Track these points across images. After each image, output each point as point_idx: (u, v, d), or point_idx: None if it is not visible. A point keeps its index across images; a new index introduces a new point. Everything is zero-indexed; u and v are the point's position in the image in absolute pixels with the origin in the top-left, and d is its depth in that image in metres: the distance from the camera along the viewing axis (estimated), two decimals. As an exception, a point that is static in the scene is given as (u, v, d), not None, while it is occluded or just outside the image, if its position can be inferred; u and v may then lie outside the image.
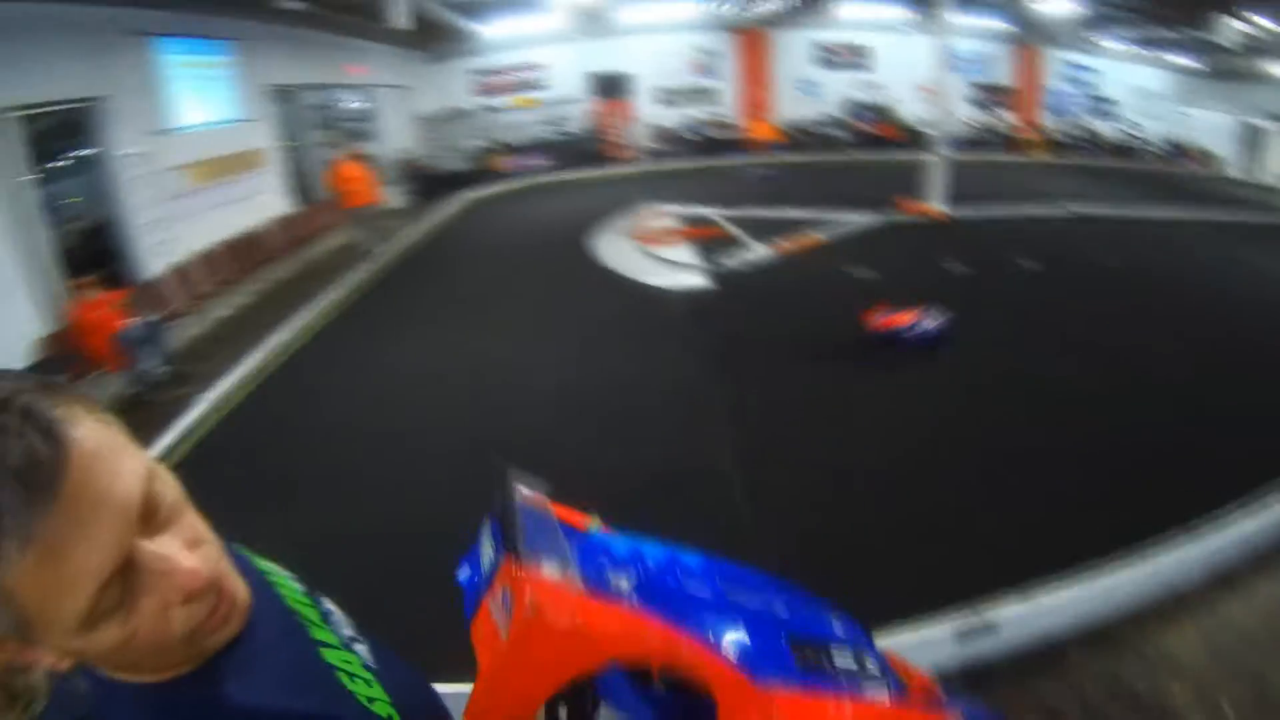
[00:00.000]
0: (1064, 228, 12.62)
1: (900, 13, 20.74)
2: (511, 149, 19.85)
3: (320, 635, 0.85)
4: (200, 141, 10.12)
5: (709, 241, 11.39)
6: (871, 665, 0.81)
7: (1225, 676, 3.42)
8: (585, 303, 9.16)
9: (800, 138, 21.56)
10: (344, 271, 10.53)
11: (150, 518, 0.63)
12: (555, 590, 0.64)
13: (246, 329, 8.44)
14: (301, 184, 13.87)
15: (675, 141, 21.34)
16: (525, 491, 0.82)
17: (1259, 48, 15.04)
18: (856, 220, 12.53)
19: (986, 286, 9.23)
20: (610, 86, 21.21)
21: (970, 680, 3.25)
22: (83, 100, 8.16)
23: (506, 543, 0.72)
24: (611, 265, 10.64)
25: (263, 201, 11.59)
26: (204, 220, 9.88)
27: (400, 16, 12.47)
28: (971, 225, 12.53)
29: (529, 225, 14.35)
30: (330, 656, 0.83)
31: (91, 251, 8.42)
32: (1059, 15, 17.79)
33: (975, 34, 21.09)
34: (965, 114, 21.69)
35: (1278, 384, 6.35)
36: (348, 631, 0.91)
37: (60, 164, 8.93)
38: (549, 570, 0.65)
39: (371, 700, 0.80)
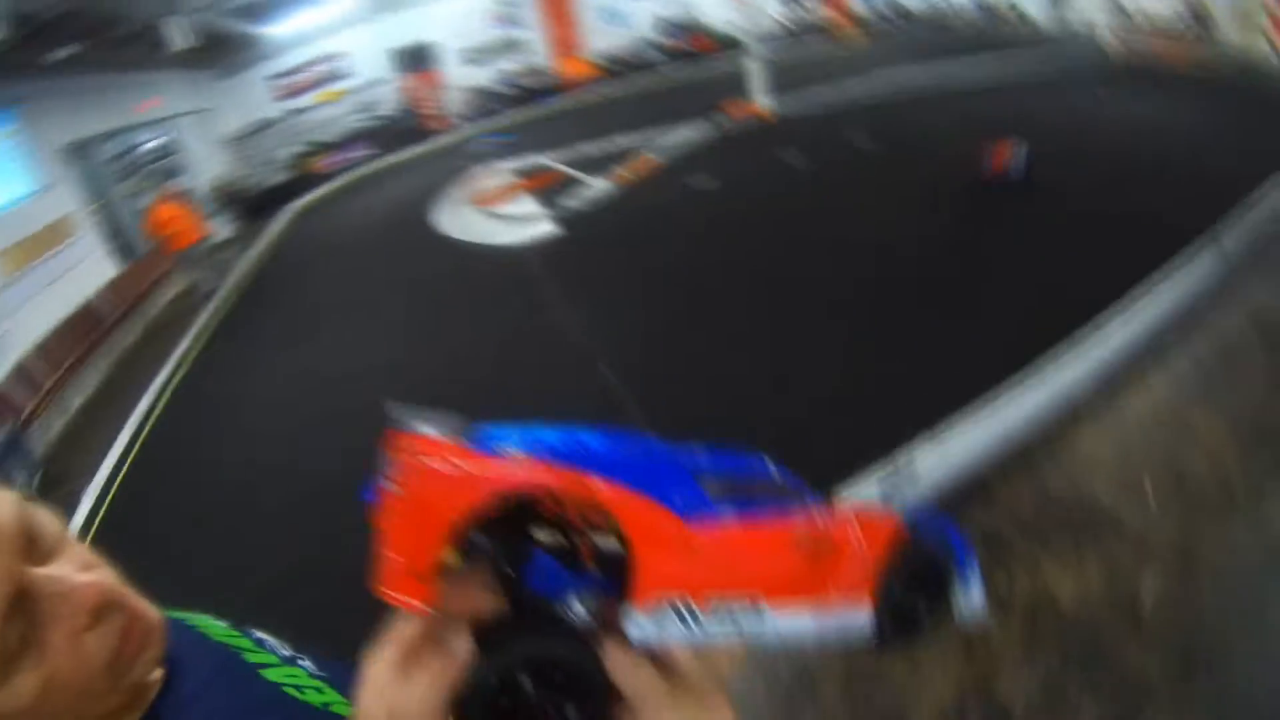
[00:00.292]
0: (889, 102, 13.00)
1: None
2: (328, 147, 19.09)
3: (256, 659, 0.83)
4: (1, 228, 9.48)
5: (548, 188, 11.41)
6: (788, 486, 0.79)
7: (1141, 464, 3.75)
8: (435, 283, 9.09)
9: (617, 69, 21.48)
10: (189, 319, 10.13)
11: (34, 548, 0.62)
12: (436, 441, 0.61)
13: (109, 406, 8.11)
14: (122, 241, 13.12)
15: (492, 99, 20.97)
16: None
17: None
18: (688, 134, 12.76)
19: (824, 170, 9.60)
20: (415, 59, 20.60)
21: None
22: None
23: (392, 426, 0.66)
24: (457, 236, 10.59)
25: (86, 271, 10.91)
26: (29, 310, 9.30)
27: (179, 37, 11.82)
28: (800, 117, 12.89)
29: (363, 219, 14.02)
30: (273, 675, 0.81)
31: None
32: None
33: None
34: (776, 12, 22.07)
35: (1117, 194, 6.89)
36: (286, 652, 0.88)
37: None
38: (431, 432, 0.62)
39: (328, 705, 0.80)
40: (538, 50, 21.99)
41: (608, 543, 0.67)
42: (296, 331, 8.90)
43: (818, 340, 5.56)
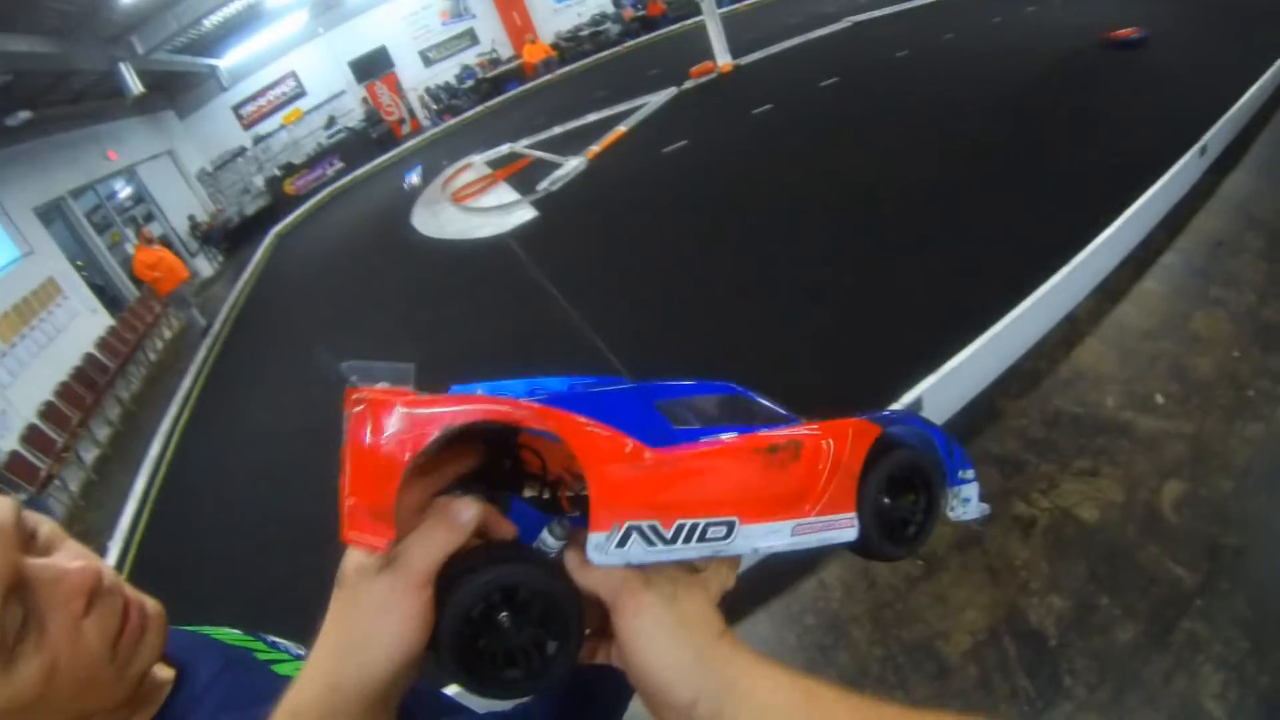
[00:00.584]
0: (849, 39, 13.01)
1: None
2: (298, 168, 18.99)
3: (268, 657, 0.85)
4: (-13, 299, 9.48)
5: (522, 174, 11.37)
6: (764, 409, 0.81)
7: (1144, 371, 3.76)
8: (421, 286, 9.04)
9: (575, 47, 21.29)
10: (187, 359, 10.14)
11: (30, 543, 0.66)
12: (388, 391, 0.62)
13: (122, 457, 8.14)
14: (110, 293, 13.15)
15: (454, 95, 20.81)
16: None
17: None
18: (653, 101, 12.70)
19: (792, 112, 9.61)
20: (371, 67, 20.44)
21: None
22: None
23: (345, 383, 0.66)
24: (437, 235, 10.53)
25: (79, 328, 10.94)
26: (28, 375, 9.34)
27: (133, 83, 11.77)
28: (762, 66, 12.85)
29: (342, 234, 13.97)
30: (285, 669, 0.82)
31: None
32: None
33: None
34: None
35: (1092, 106, 6.82)
36: (299, 651, 0.89)
37: None
38: (383, 384, 0.63)
39: None
40: (495, 40, 21.77)
41: (585, 489, 0.67)
42: (292, 355, 8.90)
43: (804, 284, 5.54)
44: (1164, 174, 4.80)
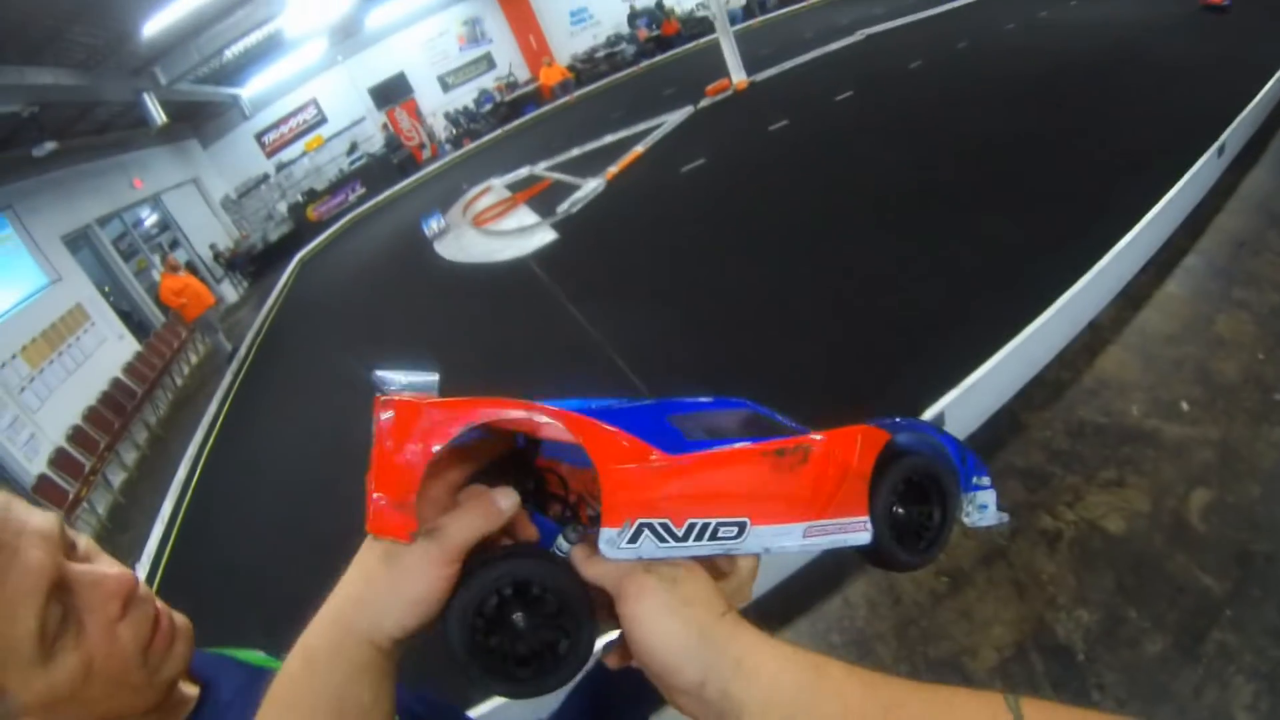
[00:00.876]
0: (862, 52, 13.03)
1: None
2: (320, 194, 19.24)
3: None
4: (17, 327, 9.66)
5: (541, 197, 11.44)
6: (775, 422, 0.83)
7: (1168, 377, 3.69)
8: (444, 309, 9.10)
9: (591, 69, 21.48)
10: (213, 384, 10.26)
11: (71, 552, 0.71)
12: (415, 396, 0.65)
13: (149, 480, 8.24)
14: (136, 319, 13.36)
15: (473, 119, 21.03)
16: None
17: None
18: (670, 120, 12.74)
19: (809, 127, 9.61)
20: (391, 93, 20.72)
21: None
22: None
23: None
24: (459, 259, 10.59)
25: (106, 354, 11.14)
26: (57, 399, 9.51)
27: (157, 113, 12.01)
28: (777, 82, 12.88)
29: (365, 259, 14.09)
30: None
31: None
32: None
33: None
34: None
35: (1107, 109, 6.81)
36: None
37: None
38: (409, 394, 0.66)
39: None
40: (512, 64, 22.01)
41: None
42: (316, 379, 8.98)
43: (822, 298, 5.52)
44: (1183, 176, 4.74)
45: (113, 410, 9.97)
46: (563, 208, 10.30)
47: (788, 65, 13.53)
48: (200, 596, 5.58)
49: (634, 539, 0.65)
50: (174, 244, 16.11)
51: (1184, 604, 2.66)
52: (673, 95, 14.23)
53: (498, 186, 13.36)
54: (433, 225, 12.04)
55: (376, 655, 0.61)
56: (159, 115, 12.09)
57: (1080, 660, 2.61)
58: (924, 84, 9.63)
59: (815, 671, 0.58)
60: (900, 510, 0.81)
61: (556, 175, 12.26)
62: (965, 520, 0.89)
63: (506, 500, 0.67)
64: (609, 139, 13.05)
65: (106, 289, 12.96)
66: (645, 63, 20.67)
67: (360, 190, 19.18)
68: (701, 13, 20.73)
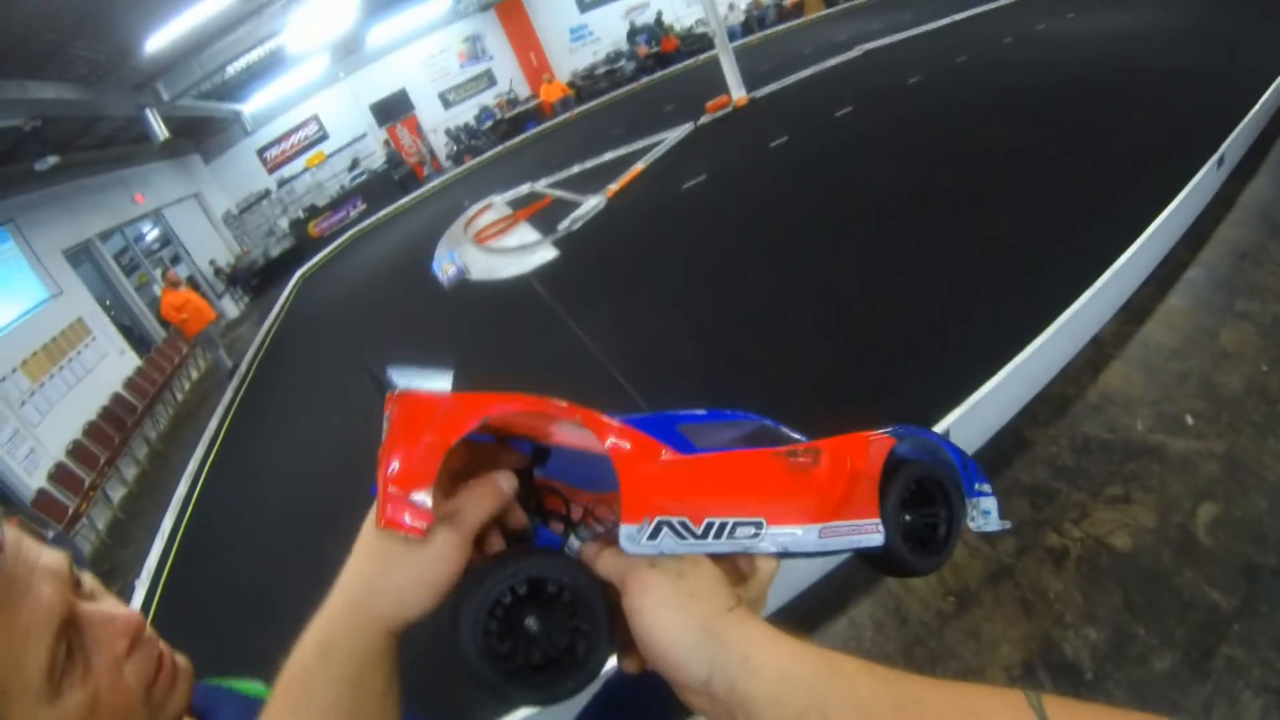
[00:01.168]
0: (861, 68, 13.09)
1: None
2: (321, 210, 19.30)
3: None
4: (18, 340, 9.68)
5: (542, 214, 11.46)
6: (780, 432, 0.84)
7: (1173, 391, 3.67)
8: (445, 326, 9.06)
9: (591, 86, 21.61)
10: (214, 399, 10.25)
11: (78, 589, 0.72)
12: (428, 391, 0.67)
13: (150, 496, 8.21)
14: (137, 334, 13.37)
15: (474, 136, 21.13)
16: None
17: None
18: (670, 137, 12.77)
19: (809, 142, 9.64)
20: (392, 110, 20.85)
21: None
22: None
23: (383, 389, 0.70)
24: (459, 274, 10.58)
25: (106, 369, 11.15)
26: (58, 413, 9.50)
27: (159, 128, 12.07)
28: (777, 98, 12.93)
29: (366, 275, 14.07)
30: None
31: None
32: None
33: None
34: (734, 0, 22.14)
35: (1106, 120, 6.83)
36: None
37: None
38: (422, 389, 0.67)
39: None
40: (512, 80, 22.14)
41: (608, 528, 0.73)
42: (320, 394, 8.97)
43: (823, 315, 5.49)
44: (1183, 187, 4.74)
45: (113, 425, 9.95)
46: (564, 225, 10.30)
47: (787, 81, 13.61)
48: (201, 614, 5.58)
49: (654, 535, 0.65)
50: (175, 259, 16.15)
51: (1192, 620, 2.64)
52: (673, 112, 14.32)
53: (499, 203, 13.39)
54: (445, 268, 10.34)
55: (391, 641, 0.63)
56: (161, 130, 12.15)
57: (1089, 678, 2.59)
58: (923, 99, 9.67)
59: (828, 667, 0.57)
60: (908, 517, 0.82)
61: (557, 192, 12.27)
62: (970, 525, 0.90)
63: (508, 482, 0.69)
64: (609, 156, 13.09)
65: (107, 303, 12.98)
66: (645, 79, 20.81)
67: (361, 206, 19.21)
68: (701, 29, 20.88)
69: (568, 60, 22.33)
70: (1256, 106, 5.65)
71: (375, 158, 20.70)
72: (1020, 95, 8.35)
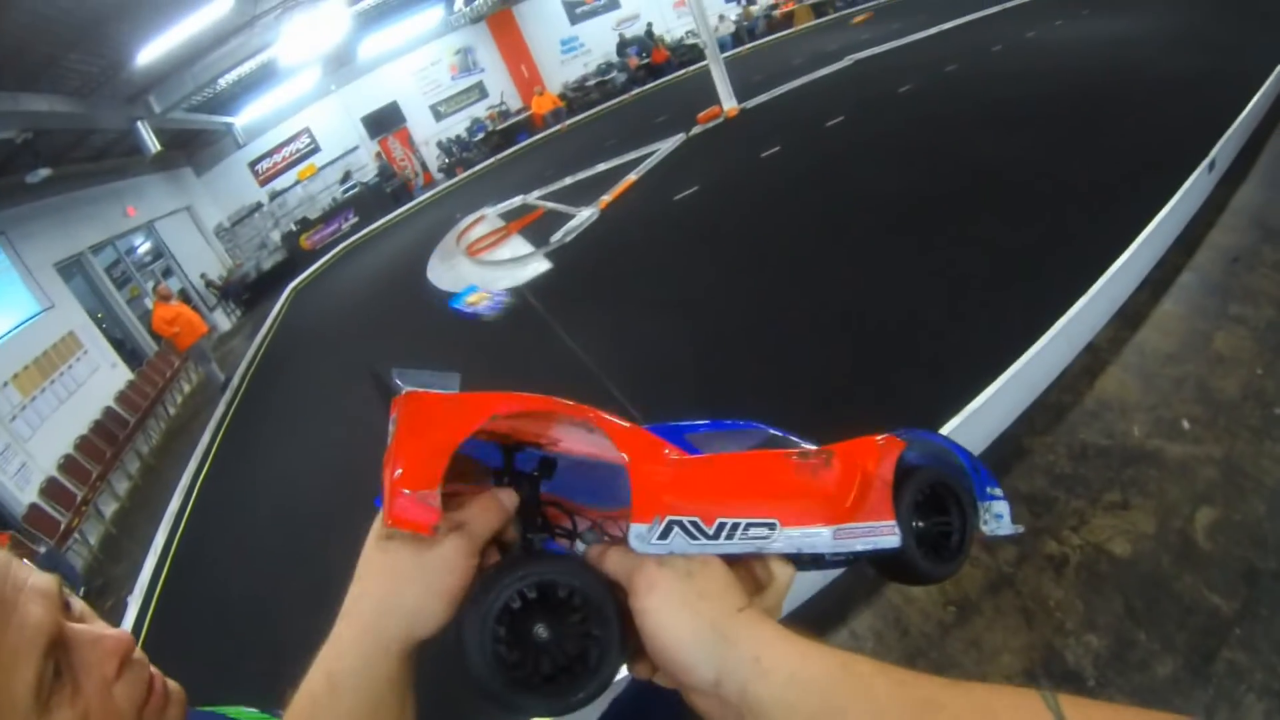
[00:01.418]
0: (852, 77, 13.16)
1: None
2: (313, 223, 19.25)
3: None
4: (9, 354, 9.61)
5: (535, 226, 11.44)
6: (783, 440, 0.85)
7: (1169, 396, 3.66)
8: (438, 339, 9.00)
9: (582, 97, 21.68)
10: (206, 413, 10.18)
11: (67, 611, 0.71)
12: (433, 392, 0.68)
13: (142, 511, 8.15)
14: (129, 347, 13.31)
15: (465, 148, 21.16)
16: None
17: None
18: (662, 148, 12.78)
19: (800, 152, 9.67)
20: (384, 122, 20.87)
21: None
22: None
23: (388, 392, 0.71)
24: (453, 289, 10.44)
25: (98, 382, 11.09)
26: (48, 428, 9.44)
27: (151, 141, 12.06)
28: (768, 109, 12.97)
29: (359, 288, 14.02)
30: None
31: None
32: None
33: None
34: (724, 11, 22.27)
35: (1096, 127, 6.85)
36: None
37: None
38: (426, 389, 0.68)
39: None
40: (504, 92, 22.18)
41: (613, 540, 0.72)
42: (313, 408, 8.93)
43: (817, 327, 5.49)
44: (1175, 192, 4.75)
45: (105, 439, 9.89)
46: (556, 237, 10.28)
47: (778, 91, 13.65)
48: (194, 631, 5.53)
49: (664, 534, 0.64)
50: (167, 272, 16.10)
51: (1193, 624, 2.64)
52: (664, 123, 14.36)
53: (491, 216, 13.38)
54: (475, 300, 9.22)
55: (403, 666, 0.62)
56: (153, 143, 12.15)
57: (1091, 685, 2.58)
58: (914, 108, 9.71)
59: (842, 668, 0.56)
60: (920, 523, 0.81)
61: (550, 204, 12.27)
62: (984, 529, 0.89)
63: (510, 498, 0.70)
64: (601, 167, 13.10)
65: (99, 317, 12.92)
66: (636, 90, 20.88)
67: (353, 219, 19.16)
68: (691, 40, 20.98)
69: (559, 72, 22.41)
70: (1246, 110, 5.69)
71: (367, 170, 20.70)
72: (1011, 103, 8.39)
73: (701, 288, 6.91)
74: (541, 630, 0.61)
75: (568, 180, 13.30)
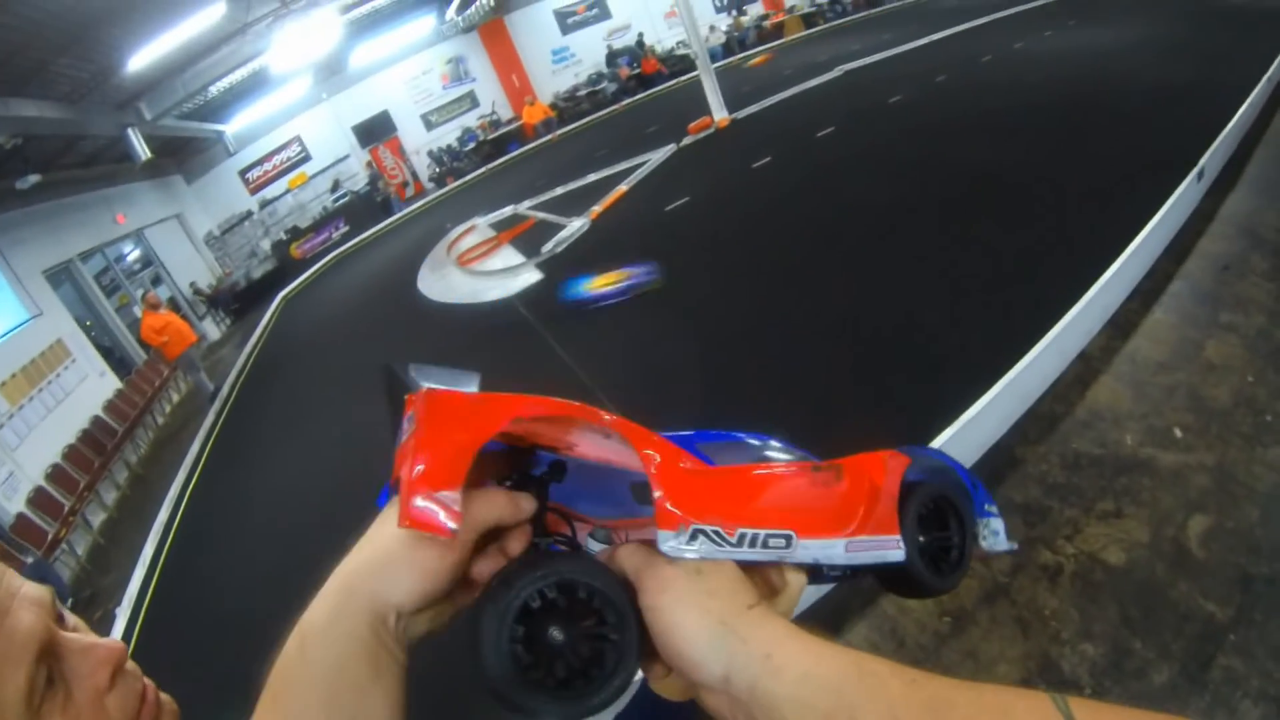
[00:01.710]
0: (842, 88, 13.22)
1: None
2: (304, 232, 19.20)
3: None
4: (-3, 362, 9.55)
5: (526, 236, 11.42)
6: (785, 450, 0.86)
7: (1161, 405, 3.68)
8: (429, 349, 8.87)
9: (573, 107, 21.73)
10: (195, 423, 10.13)
11: (60, 622, 0.69)
12: (450, 390, 0.66)
13: (130, 521, 8.08)
14: (117, 355, 13.23)
15: (456, 158, 21.16)
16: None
17: None
18: (653, 158, 12.80)
19: (791, 163, 9.71)
20: (375, 131, 20.84)
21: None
22: None
23: (408, 388, 0.70)
24: (444, 299, 10.52)
25: (86, 391, 11.01)
26: (36, 437, 9.36)
27: (142, 148, 12.03)
28: (759, 119, 13.01)
29: (349, 297, 13.98)
30: None
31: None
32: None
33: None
34: (715, 22, 22.40)
35: (1085, 137, 6.91)
36: None
37: None
38: (443, 387, 0.67)
39: None
40: (495, 102, 22.22)
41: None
42: (303, 417, 8.88)
43: (807, 338, 5.49)
44: (1165, 201, 4.79)
45: (93, 449, 9.81)
46: (547, 247, 10.26)
47: (769, 102, 13.70)
48: (184, 641, 5.47)
49: (692, 540, 0.64)
50: (156, 280, 16.03)
51: (1188, 632, 2.65)
52: (655, 133, 14.39)
53: (482, 226, 13.34)
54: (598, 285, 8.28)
55: (378, 627, 0.60)
56: (143, 150, 12.11)
57: (1088, 694, 2.58)
58: (904, 118, 9.77)
59: (855, 667, 0.56)
60: (922, 538, 0.83)
61: (541, 214, 12.25)
62: (982, 544, 0.91)
63: (528, 503, 0.69)
64: (592, 177, 13.09)
65: (88, 324, 12.84)
66: (627, 101, 20.92)
67: (344, 228, 19.13)
68: (682, 51, 21.06)
69: (550, 81, 22.45)
70: (1234, 120, 5.75)
71: (357, 179, 20.67)
72: (1000, 113, 8.46)
73: (694, 298, 6.91)
74: (556, 632, 0.61)
75: (559, 190, 13.30)
